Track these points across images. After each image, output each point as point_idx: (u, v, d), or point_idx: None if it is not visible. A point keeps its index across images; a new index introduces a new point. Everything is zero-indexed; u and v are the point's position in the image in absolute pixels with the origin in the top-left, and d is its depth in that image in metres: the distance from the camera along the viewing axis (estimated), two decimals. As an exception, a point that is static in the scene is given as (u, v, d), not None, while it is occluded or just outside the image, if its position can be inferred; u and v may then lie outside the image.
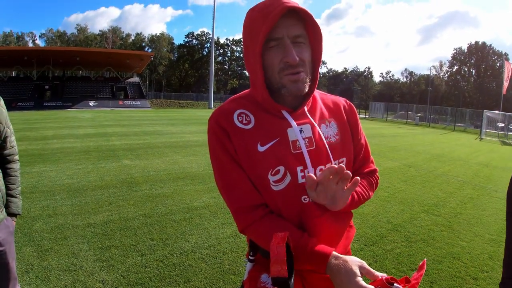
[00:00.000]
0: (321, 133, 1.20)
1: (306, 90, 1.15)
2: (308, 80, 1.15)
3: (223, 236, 4.06)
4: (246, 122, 1.16)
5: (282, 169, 1.13)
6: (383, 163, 9.78)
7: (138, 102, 44.40)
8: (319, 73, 1.22)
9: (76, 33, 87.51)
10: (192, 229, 4.22)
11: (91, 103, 41.05)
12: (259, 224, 1.14)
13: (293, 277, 0.94)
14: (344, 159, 1.24)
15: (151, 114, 29.10)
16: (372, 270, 1.00)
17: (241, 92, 1.29)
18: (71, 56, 43.57)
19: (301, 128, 1.17)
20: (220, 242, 3.90)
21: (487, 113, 29.34)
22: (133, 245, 3.72)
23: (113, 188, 5.82)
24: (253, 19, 1.11)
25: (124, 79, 50.96)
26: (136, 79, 51.75)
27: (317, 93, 1.32)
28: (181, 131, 15.63)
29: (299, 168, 1.14)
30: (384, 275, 0.97)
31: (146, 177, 6.64)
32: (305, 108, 1.21)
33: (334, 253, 1.04)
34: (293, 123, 1.17)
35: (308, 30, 1.14)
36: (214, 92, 52.30)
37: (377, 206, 5.48)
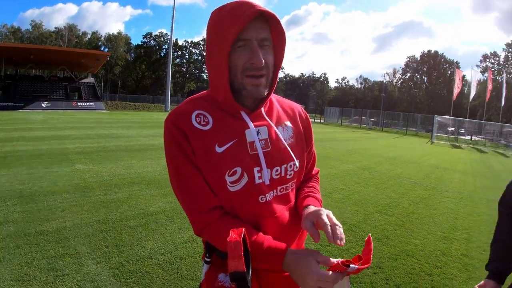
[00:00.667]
0: (278, 134, 1.24)
1: (265, 94, 1.18)
2: (267, 84, 1.18)
3: (180, 241, 4.01)
4: (204, 123, 1.16)
5: (239, 170, 1.15)
6: (338, 166, 10.05)
7: (92, 104, 42.74)
8: (278, 77, 1.25)
9: (31, 30, 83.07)
10: (148, 235, 4.13)
11: (44, 104, 39.02)
12: (215, 225, 1.15)
13: (250, 272, 0.95)
14: (298, 161, 1.29)
15: (106, 117, 28.22)
16: (327, 257, 1.03)
17: (198, 93, 1.29)
18: (24, 54, 41.01)
19: (258, 130, 1.20)
20: (177, 248, 3.84)
21: (438, 118, 31.07)
22: (87, 253, 3.58)
23: (66, 194, 5.57)
24: (221, 19, 1.11)
25: (79, 80, 48.87)
26: (91, 79, 49.81)
27: (274, 97, 1.35)
28: (137, 134, 15.26)
29: (256, 169, 1.17)
30: (340, 259, 1.00)
31: (100, 182, 6.42)
32: (263, 109, 1.24)
33: (290, 248, 1.06)
34: (251, 124, 1.19)
35: (272, 35, 1.17)
36: (171, 94, 51.44)
37: (332, 208, 5.61)
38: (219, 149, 1.14)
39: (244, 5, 1.08)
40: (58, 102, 40.42)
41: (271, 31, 1.16)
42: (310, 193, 1.33)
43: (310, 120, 1.45)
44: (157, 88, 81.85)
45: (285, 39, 1.19)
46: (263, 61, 1.11)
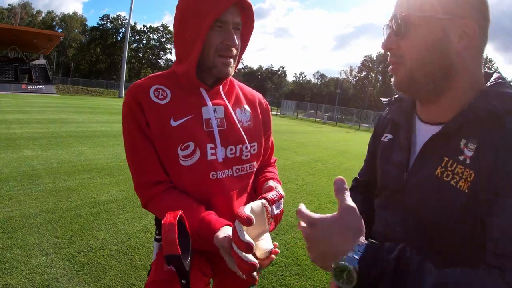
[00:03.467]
0: (234, 115, 1.28)
1: (232, 74, 1.25)
2: (234, 65, 1.24)
3: (133, 231, 3.93)
4: (162, 97, 1.20)
5: (192, 145, 1.18)
6: (293, 157, 10.23)
7: (43, 87, 40.42)
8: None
9: (-19, 5, 77.06)
10: (100, 225, 4.02)
11: (-9, 85, 36.56)
12: (160, 198, 1.18)
13: (189, 256, 0.95)
14: (255, 143, 1.34)
15: (56, 101, 26.84)
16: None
17: (160, 72, 1.32)
18: (-28, 31, 38.17)
19: (215, 109, 1.24)
20: (130, 238, 3.77)
21: (389, 115, 32.22)
22: (36, 244, 3.43)
23: (13, 181, 5.27)
24: None
25: (29, 61, 46.10)
26: (42, 61, 47.01)
27: (236, 82, 1.42)
28: (88, 120, 14.68)
29: (209, 146, 1.20)
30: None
31: (49, 169, 6.12)
32: (221, 88, 1.29)
33: (223, 228, 1.07)
34: (209, 102, 1.23)
35: (242, 21, 1.22)
36: (125, 80, 49.72)
37: (287, 198, 5.72)
38: (174, 123, 1.18)
39: None
40: (6, 84, 37.91)
41: (242, 17, 1.21)
42: (270, 176, 1.41)
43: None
44: (111, 73, 78.98)
45: (253, 27, 1.27)
46: (237, 43, 1.18)
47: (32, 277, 2.87)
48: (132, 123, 1.18)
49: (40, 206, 4.39)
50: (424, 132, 0.96)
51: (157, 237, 1.40)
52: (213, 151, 1.21)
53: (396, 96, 1.12)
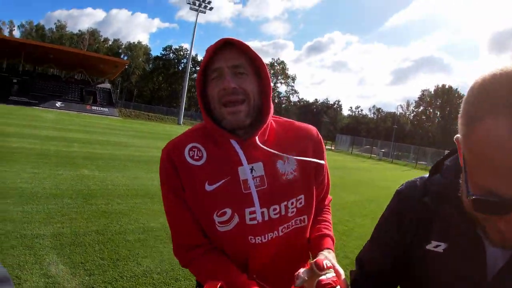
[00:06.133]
0: (275, 169, 1.15)
1: (248, 122, 1.12)
2: (251, 111, 1.13)
3: (177, 262, 3.88)
4: (198, 157, 1.14)
5: (229, 211, 1.10)
6: (346, 196, 9.88)
7: (106, 109, 43.31)
8: (273, 103, 1.22)
9: (54, 29, 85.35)
10: (146, 252, 4.03)
11: (58, 103, 39.74)
12: (198, 262, 1.13)
13: None
14: (302, 196, 1.18)
15: (118, 124, 28.44)
16: None
17: (197, 124, 1.27)
18: (44, 52, 42.17)
19: (252, 167, 1.13)
20: (173, 268, 3.73)
21: (448, 153, 30.72)
22: (82, 263, 3.50)
23: (67, 199, 5.53)
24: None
25: (95, 84, 49.85)
26: (107, 85, 50.72)
27: (280, 122, 1.27)
28: (147, 145, 15.30)
29: (248, 210, 1.11)
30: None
31: (104, 191, 6.37)
32: (257, 139, 1.14)
33: None
34: (244, 160, 1.12)
35: (251, 62, 1.15)
36: (185, 108, 51.99)
37: (336, 240, 5.41)
38: (209, 187, 1.10)
39: (218, 40, 1.11)
40: (72, 104, 41.18)
41: (249, 59, 1.14)
42: (324, 231, 1.26)
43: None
44: (172, 101, 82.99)
45: (262, 63, 1.16)
46: (233, 84, 1.07)
47: (73, 297, 2.89)
48: (168, 187, 1.15)
49: (91, 226, 4.52)
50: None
51: None
52: (253, 215, 1.11)
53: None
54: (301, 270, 0.95)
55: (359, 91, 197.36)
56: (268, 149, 1.13)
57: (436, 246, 0.91)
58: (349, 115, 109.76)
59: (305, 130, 1.27)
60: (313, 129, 1.29)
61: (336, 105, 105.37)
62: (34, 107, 35.92)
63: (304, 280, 0.92)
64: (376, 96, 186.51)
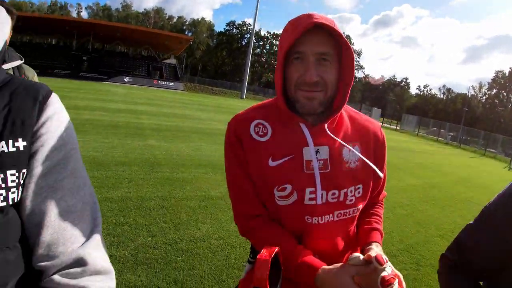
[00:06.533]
0: (340, 157, 1.17)
1: (321, 110, 1.13)
2: (326, 100, 1.13)
3: (234, 230, 4.10)
4: (262, 134, 1.16)
5: (289, 187, 1.13)
6: (407, 179, 9.59)
7: (172, 84, 44.87)
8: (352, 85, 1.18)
9: (120, 9, 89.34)
10: (205, 218, 4.30)
11: (126, 79, 41.77)
12: (257, 231, 1.18)
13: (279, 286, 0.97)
14: (361, 185, 1.21)
15: (183, 97, 29.37)
16: (362, 268, 0.96)
17: (264, 101, 1.29)
18: (112, 31, 44.41)
19: (318, 149, 1.15)
20: (230, 235, 3.95)
21: (522, 142, 28.15)
22: (145, 225, 3.82)
23: (135, 166, 5.96)
24: (285, 29, 1.11)
25: (161, 60, 51.73)
26: (173, 61, 52.44)
27: (348, 111, 1.28)
28: (210, 118, 15.74)
29: (308, 190, 1.13)
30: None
31: (169, 160, 6.77)
32: (326, 126, 1.16)
33: (324, 267, 1.03)
34: (311, 142, 1.14)
35: (339, 49, 1.11)
36: (248, 83, 52.32)
37: (392, 223, 5.40)
38: (272, 163, 1.14)
39: (303, 17, 1.07)
40: (139, 79, 43.10)
41: (337, 46, 1.10)
42: (375, 225, 1.28)
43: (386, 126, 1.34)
44: (235, 75, 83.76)
45: (351, 54, 1.12)
46: (315, 77, 1.07)
47: (135, 254, 3.21)
48: (233, 158, 1.19)
49: (156, 192, 4.87)
50: None
51: (250, 259, 1.44)
52: (313, 196, 1.13)
53: None
54: (355, 254, 1.01)
55: (429, 69, 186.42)
56: (335, 137, 1.15)
57: None
58: (417, 94, 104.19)
59: (372, 124, 1.29)
60: (378, 126, 1.30)
61: (403, 82, 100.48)
62: (104, 82, 37.98)
63: (358, 260, 0.96)
64: (446, 75, 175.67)
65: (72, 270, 0.74)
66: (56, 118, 0.81)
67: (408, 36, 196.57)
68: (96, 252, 0.80)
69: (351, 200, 1.19)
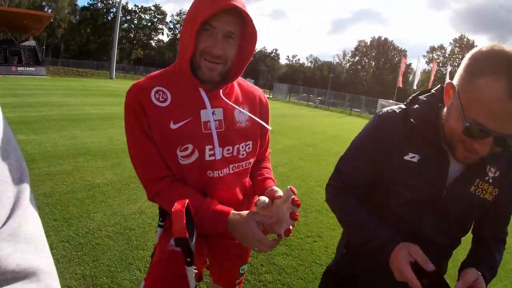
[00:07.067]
0: (232, 117, 1.35)
1: (217, 80, 1.28)
2: (224, 72, 1.28)
3: (129, 213, 4.09)
4: (163, 99, 1.26)
5: (190, 146, 1.27)
6: (284, 141, 10.41)
7: (33, 69, 39.48)
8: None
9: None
10: (96, 207, 4.16)
11: (-21, 67, 35.82)
12: (165, 192, 1.30)
13: (194, 238, 1.12)
14: (250, 142, 1.42)
15: (47, 83, 26.39)
16: (266, 216, 1.22)
17: (161, 70, 1.38)
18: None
19: (214, 111, 1.31)
20: (126, 219, 3.92)
21: (381, 101, 32.70)
22: (33, 226, 3.56)
23: (5, 165, 5.35)
24: (201, 1, 1.19)
25: (19, 42, 45.20)
26: (32, 42, 45.80)
27: (236, 80, 1.44)
28: (80, 102, 14.61)
29: (207, 147, 1.29)
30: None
31: (43, 154, 6.19)
32: (221, 92, 1.33)
33: (234, 211, 1.23)
34: (208, 104, 1.30)
35: (243, 30, 1.28)
36: (116, 61, 48.88)
37: (277, 181, 5.79)
38: (173, 126, 1.26)
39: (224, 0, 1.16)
40: None
41: (242, 27, 1.26)
42: (267, 175, 1.52)
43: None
44: (102, 54, 77.39)
45: (256, 37, 1.30)
46: (220, 52, 1.21)
47: (33, 259, 3.01)
48: (135, 123, 1.26)
49: (37, 190, 4.50)
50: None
51: (160, 223, 1.54)
52: (211, 152, 1.30)
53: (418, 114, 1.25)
54: (261, 197, 1.22)
55: (297, 40, 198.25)
56: (227, 101, 1.33)
57: (412, 157, 1.23)
58: (286, 64, 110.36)
59: (256, 90, 1.52)
60: (261, 91, 1.55)
61: (273, 53, 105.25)
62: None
63: (264, 203, 1.20)
64: (314, 45, 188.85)
65: None
66: None
67: (277, 9, 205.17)
68: (8, 245, 0.52)
69: (243, 155, 1.39)
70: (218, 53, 1.20)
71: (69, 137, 7.71)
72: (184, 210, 1.03)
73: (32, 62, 41.95)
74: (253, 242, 1.17)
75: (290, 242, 3.82)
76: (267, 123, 1.51)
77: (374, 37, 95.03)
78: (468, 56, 1.06)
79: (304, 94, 44.64)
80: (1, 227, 0.51)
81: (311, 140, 11.39)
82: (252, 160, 1.47)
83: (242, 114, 1.39)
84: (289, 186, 1.15)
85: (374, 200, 1.37)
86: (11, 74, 35.54)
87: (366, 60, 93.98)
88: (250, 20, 1.23)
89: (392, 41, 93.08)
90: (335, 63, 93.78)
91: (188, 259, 1.12)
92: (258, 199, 1.23)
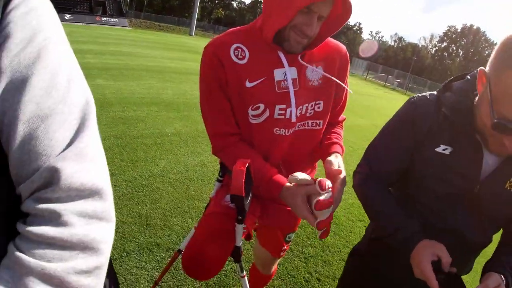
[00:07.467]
0: (305, 75, 1.30)
1: (300, 50, 1.24)
2: (307, 44, 1.23)
3: (191, 164, 4.23)
4: (241, 57, 1.24)
5: (262, 106, 1.25)
6: (354, 119, 10.07)
7: (116, 20, 41.60)
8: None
9: None
10: (162, 154, 4.35)
11: (67, 16, 38.02)
12: (230, 149, 1.30)
13: (249, 198, 1.13)
14: (321, 102, 1.35)
15: (129, 34, 27.73)
16: (315, 189, 1.10)
17: (239, 27, 1.34)
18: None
19: (288, 70, 1.26)
20: (188, 169, 4.07)
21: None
22: (104, 165, 3.80)
23: (84, 106, 5.72)
24: None
25: (104, -6, 47.57)
26: (116, -6, 48.29)
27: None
28: (159, 55, 15.16)
29: (278, 106, 1.26)
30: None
31: (120, 99, 6.55)
32: (299, 57, 1.27)
33: (287, 184, 1.19)
34: (286, 64, 1.25)
35: (333, 14, 1.22)
36: (197, 19, 49.79)
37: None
38: (249, 84, 1.23)
39: None
40: (81, 16, 39.35)
41: (334, 10, 1.20)
42: (335, 140, 1.43)
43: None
44: (183, 11, 79.02)
45: (347, 19, 1.24)
46: (313, 34, 1.18)
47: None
48: (213, 79, 1.24)
49: (110, 131, 4.79)
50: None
51: (219, 178, 1.58)
52: (282, 112, 1.27)
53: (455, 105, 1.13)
54: (298, 173, 1.16)
55: (382, 15, 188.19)
56: (301, 60, 1.26)
57: (444, 149, 1.15)
58: (368, 40, 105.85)
59: (338, 47, 1.40)
60: (343, 47, 1.41)
61: (356, 27, 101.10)
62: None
63: (296, 179, 1.12)
64: (399, 24, 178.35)
65: (42, 192, 0.55)
66: (24, 5, 0.58)
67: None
68: (74, 164, 0.57)
69: (310, 113, 1.34)
70: (310, 34, 1.17)
71: (145, 86, 8.08)
72: (245, 169, 1.03)
73: (116, 13, 43.85)
74: (301, 216, 1.14)
75: (341, 222, 3.72)
76: (344, 81, 1.41)
77: (465, 24, 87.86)
78: (501, 41, 0.95)
79: (383, 74, 42.82)
80: (67, 148, 0.57)
81: (381, 123, 10.75)
82: (321, 122, 1.40)
83: (316, 73, 1.32)
84: (318, 179, 1.06)
85: (405, 191, 1.31)
86: (95, 24, 37.58)
87: (454, 48, 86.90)
88: (350, 8, 1.20)
89: (484, 31, 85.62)
90: (420, 46, 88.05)
91: (240, 217, 1.16)
92: (291, 175, 1.16)
